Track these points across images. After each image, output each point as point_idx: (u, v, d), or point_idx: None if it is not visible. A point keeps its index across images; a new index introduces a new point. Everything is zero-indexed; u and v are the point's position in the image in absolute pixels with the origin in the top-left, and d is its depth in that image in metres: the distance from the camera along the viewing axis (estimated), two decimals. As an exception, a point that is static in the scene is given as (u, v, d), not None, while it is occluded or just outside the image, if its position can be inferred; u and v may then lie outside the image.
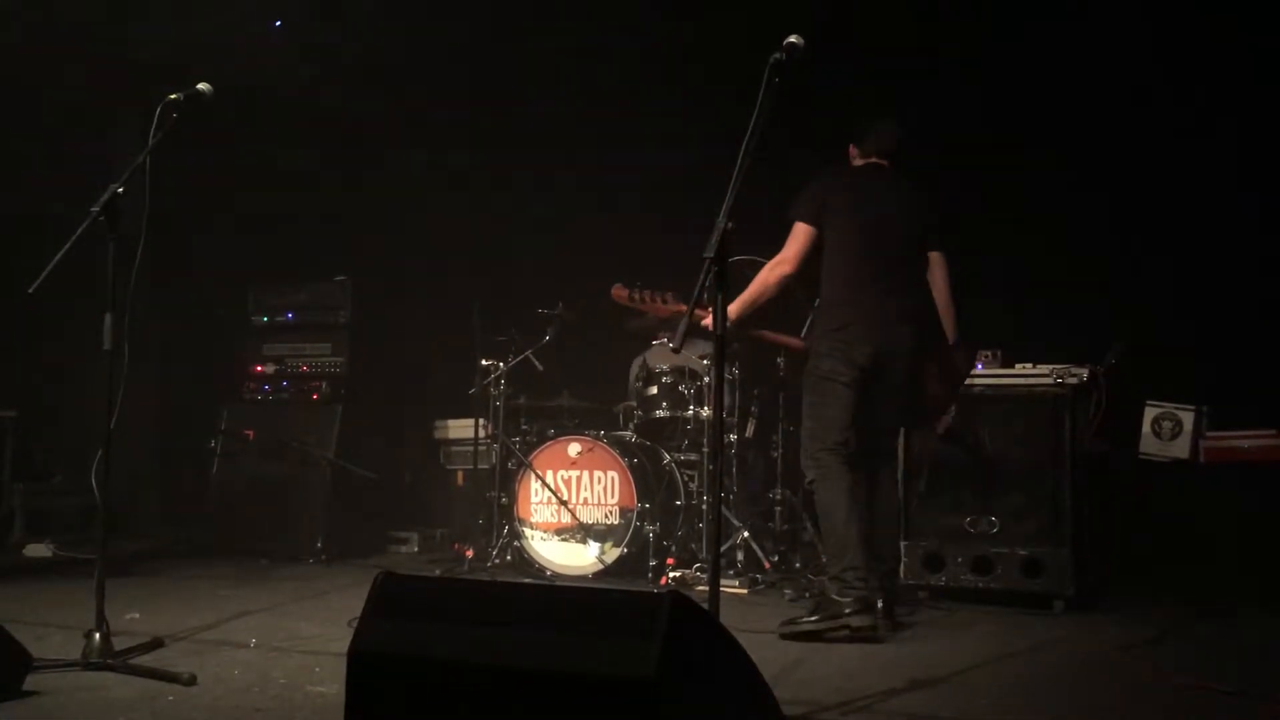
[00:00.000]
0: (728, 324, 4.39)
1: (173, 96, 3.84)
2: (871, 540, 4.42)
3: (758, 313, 4.64)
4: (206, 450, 6.87)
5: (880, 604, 4.38)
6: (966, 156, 6.23)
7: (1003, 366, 5.25)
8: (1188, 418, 5.55)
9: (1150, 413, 5.64)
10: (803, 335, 4.87)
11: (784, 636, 4.21)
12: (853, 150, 4.79)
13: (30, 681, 3.30)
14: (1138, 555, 5.54)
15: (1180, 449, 5.55)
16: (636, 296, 4.97)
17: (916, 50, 6.39)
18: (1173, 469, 5.55)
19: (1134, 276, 5.94)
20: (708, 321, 4.57)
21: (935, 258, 4.70)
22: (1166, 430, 5.57)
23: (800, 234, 4.48)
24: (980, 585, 5.01)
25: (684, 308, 4.86)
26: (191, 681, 3.41)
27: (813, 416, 4.45)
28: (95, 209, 3.62)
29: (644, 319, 5.72)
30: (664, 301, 4.92)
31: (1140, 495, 5.61)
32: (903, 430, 5.17)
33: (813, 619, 4.23)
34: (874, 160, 4.72)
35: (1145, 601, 5.06)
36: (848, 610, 4.17)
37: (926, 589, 5.10)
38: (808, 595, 5.14)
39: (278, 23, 7.22)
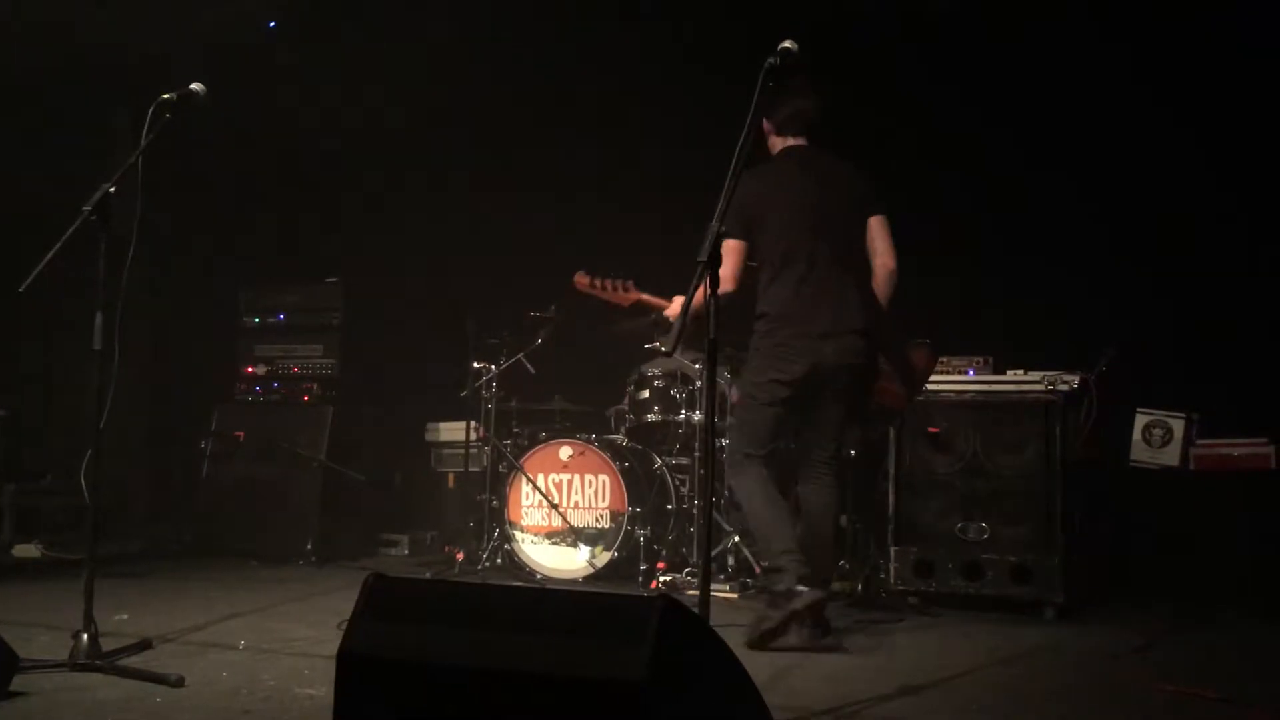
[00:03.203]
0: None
1: (165, 96, 3.82)
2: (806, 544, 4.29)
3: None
4: (197, 451, 6.87)
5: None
6: (963, 158, 6.24)
7: (994, 373, 5.26)
8: (1178, 425, 5.55)
9: (1141, 420, 5.65)
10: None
11: (753, 647, 4.04)
12: (767, 126, 4.55)
13: (17, 682, 3.28)
14: (1127, 562, 5.55)
15: (1171, 456, 5.56)
16: (598, 284, 4.88)
17: (912, 49, 6.40)
18: (1163, 476, 5.56)
19: (1126, 283, 5.94)
20: (670, 311, 4.65)
21: (875, 223, 4.51)
22: (1157, 438, 5.58)
23: (731, 250, 4.33)
24: (970, 591, 5.01)
25: (643, 296, 4.85)
26: (180, 683, 3.40)
27: (737, 427, 4.53)
28: (87, 208, 3.61)
29: (636, 322, 5.70)
30: (624, 290, 4.84)
31: (1130, 502, 5.62)
32: (892, 439, 5.18)
33: (771, 617, 4.11)
34: (791, 142, 4.56)
35: (1134, 608, 5.07)
36: (795, 594, 4.08)
37: (916, 594, 5.10)
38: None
39: (272, 24, 7.21)
